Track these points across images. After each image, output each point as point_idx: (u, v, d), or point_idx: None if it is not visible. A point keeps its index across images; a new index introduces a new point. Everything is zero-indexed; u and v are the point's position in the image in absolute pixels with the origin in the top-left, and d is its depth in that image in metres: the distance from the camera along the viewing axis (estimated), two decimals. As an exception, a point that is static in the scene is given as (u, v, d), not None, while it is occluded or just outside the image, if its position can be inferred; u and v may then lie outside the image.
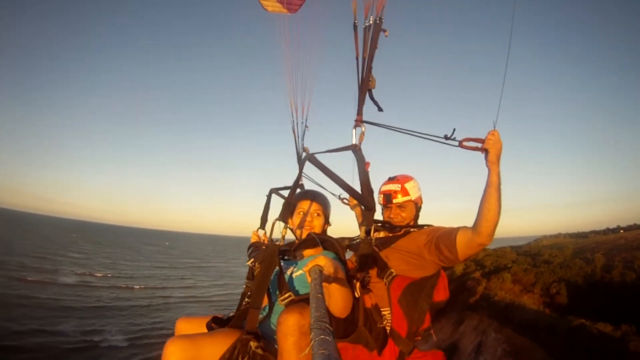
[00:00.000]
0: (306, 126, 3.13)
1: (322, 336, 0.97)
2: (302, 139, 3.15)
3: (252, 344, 2.01)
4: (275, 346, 2.01)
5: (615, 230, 55.71)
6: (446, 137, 2.02)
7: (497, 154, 1.99)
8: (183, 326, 2.41)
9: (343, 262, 2.20)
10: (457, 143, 2.03)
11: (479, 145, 2.02)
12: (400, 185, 2.64)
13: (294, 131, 3.12)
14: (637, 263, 18.17)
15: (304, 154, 3.08)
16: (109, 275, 43.50)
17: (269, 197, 2.82)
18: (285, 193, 2.83)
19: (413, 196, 2.65)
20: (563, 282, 17.34)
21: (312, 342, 0.95)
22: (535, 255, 26.82)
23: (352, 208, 3.30)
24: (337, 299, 1.84)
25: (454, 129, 2.01)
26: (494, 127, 2.00)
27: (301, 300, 2.03)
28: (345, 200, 3.32)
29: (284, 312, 1.86)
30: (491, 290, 15.26)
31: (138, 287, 38.69)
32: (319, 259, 1.61)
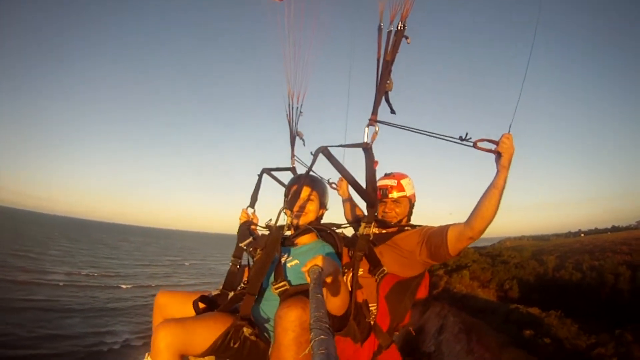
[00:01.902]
0: (301, 112, 3.14)
1: (322, 336, 1.00)
2: (297, 125, 3.18)
3: (246, 330, 2.03)
4: (265, 334, 2.10)
5: (577, 234, 58.58)
6: (461, 138, 2.05)
7: (509, 159, 2.03)
8: (163, 300, 2.40)
9: (339, 254, 2.26)
10: (471, 144, 2.05)
11: (493, 147, 2.05)
12: (396, 181, 2.73)
13: (287, 116, 3.16)
14: (585, 265, 19.64)
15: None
16: (95, 274, 42.58)
17: (260, 176, 2.81)
18: (277, 174, 2.94)
19: (408, 192, 2.75)
20: (516, 279, 19.45)
21: (312, 342, 0.99)
22: (495, 256, 28.13)
23: (341, 195, 3.35)
24: (335, 299, 1.85)
25: (467, 133, 2.05)
26: (509, 131, 2.03)
27: (296, 293, 2.04)
28: (334, 185, 3.34)
29: (284, 306, 1.85)
30: (451, 285, 17.67)
31: (127, 286, 38.27)
32: (318, 259, 1.61)
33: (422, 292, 2.67)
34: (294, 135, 3.20)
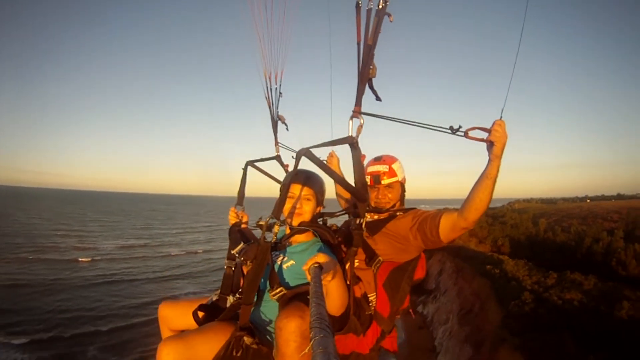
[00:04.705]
0: (280, 93, 2.85)
1: (321, 335, 1.01)
2: (277, 107, 2.90)
3: (247, 339, 2.01)
4: (267, 337, 2.13)
5: (583, 199, 62.29)
6: (452, 129, 1.89)
7: (501, 148, 1.91)
8: (166, 311, 2.38)
9: (335, 252, 2.22)
10: (462, 134, 1.91)
11: (485, 135, 1.92)
12: (388, 166, 2.61)
13: (267, 99, 2.86)
14: (572, 228, 23.31)
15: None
16: (142, 244, 45.10)
17: (245, 170, 2.63)
18: (262, 165, 2.73)
19: (400, 176, 2.64)
20: (508, 237, 24.21)
21: (311, 341, 0.98)
22: (498, 217, 32.44)
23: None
24: (335, 298, 1.85)
25: (460, 126, 1.89)
26: (501, 117, 1.89)
27: (294, 296, 2.04)
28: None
29: (283, 315, 1.84)
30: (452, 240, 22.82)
31: (176, 253, 40.54)
32: (319, 257, 1.64)
33: (419, 273, 2.58)
34: (275, 120, 2.93)
